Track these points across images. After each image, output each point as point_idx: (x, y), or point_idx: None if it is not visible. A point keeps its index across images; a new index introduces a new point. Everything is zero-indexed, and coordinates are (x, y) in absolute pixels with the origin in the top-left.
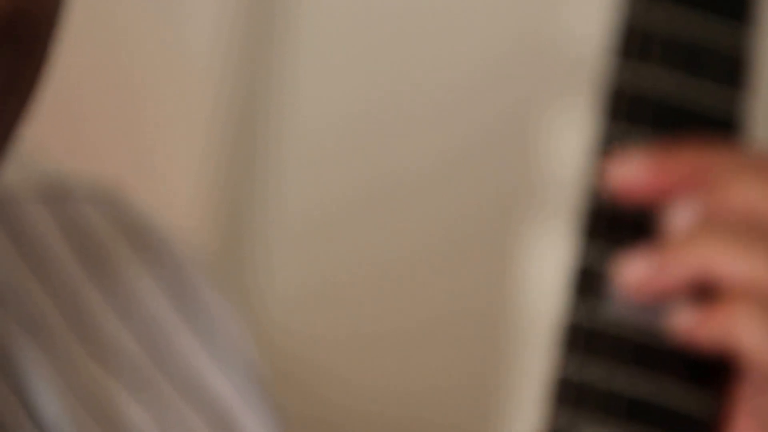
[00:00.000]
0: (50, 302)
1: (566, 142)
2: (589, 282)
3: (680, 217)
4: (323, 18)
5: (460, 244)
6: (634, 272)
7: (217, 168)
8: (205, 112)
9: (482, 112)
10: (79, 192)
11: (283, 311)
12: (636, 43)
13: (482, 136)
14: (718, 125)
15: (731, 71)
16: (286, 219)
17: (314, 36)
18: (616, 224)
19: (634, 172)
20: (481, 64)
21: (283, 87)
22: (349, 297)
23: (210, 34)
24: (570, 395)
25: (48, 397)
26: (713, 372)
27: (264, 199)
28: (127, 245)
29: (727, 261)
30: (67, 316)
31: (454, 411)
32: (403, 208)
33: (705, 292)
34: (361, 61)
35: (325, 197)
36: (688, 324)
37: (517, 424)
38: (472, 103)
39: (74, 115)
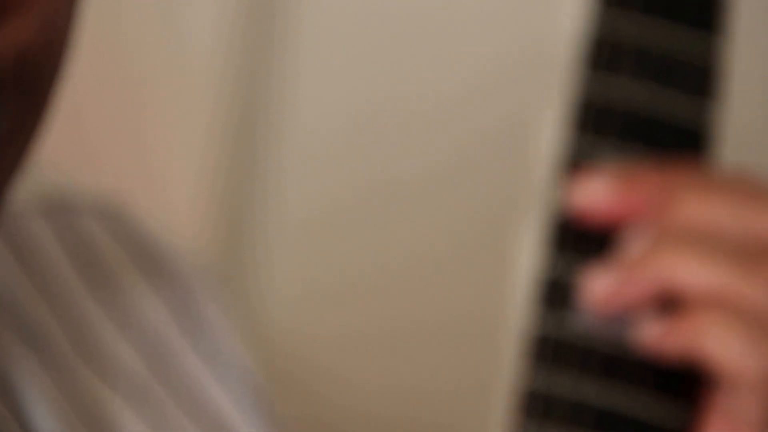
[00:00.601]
0: (50, 314)
1: (552, 149)
2: (557, 293)
3: (639, 237)
4: (323, 21)
5: (460, 245)
6: (599, 286)
7: (217, 169)
8: (206, 113)
9: (482, 116)
10: (81, 205)
11: (283, 312)
12: (605, 54)
13: (481, 139)
14: (687, 136)
15: (700, 81)
16: (287, 220)
17: (314, 39)
18: (584, 236)
19: (598, 192)
20: (481, 67)
21: (283, 89)
22: (349, 298)
23: (210, 36)
24: (538, 407)
25: (43, 411)
26: (682, 381)
27: (264, 200)
28: (129, 259)
29: (688, 272)
30: (67, 329)
31: (454, 412)
32: (402, 210)
33: (670, 303)
34: (360, 64)
35: (325, 199)
36: (654, 335)
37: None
38: (472, 107)
39: (74, 117)
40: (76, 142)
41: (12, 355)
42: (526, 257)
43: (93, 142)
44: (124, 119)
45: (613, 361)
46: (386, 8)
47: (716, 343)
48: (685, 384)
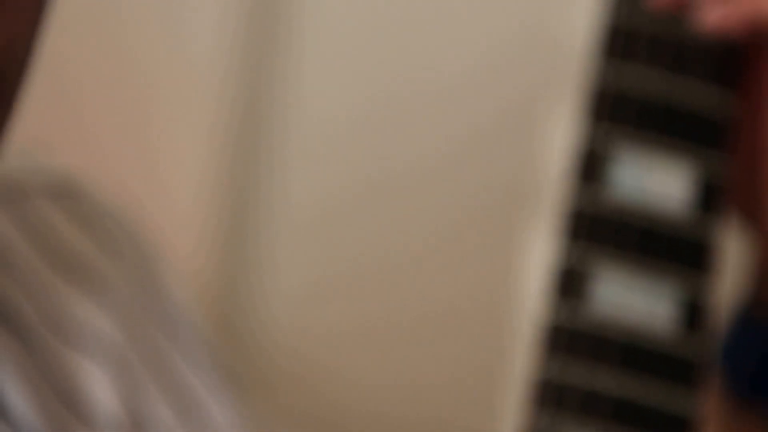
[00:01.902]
0: (16, 292)
1: (564, 140)
2: (571, 283)
3: None
4: (326, 15)
5: (464, 240)
6: None
7: (220, 166)
8: (209, 111)
9: (485, 108)
10: (31, 189)
11: (286, 309)
12: (620, 42)
13: (485, 132)
14: (703, 123)
15: (716, 68)
16: (290, 217)
17: (317, 34)
18: (597, 225)
19: None
20: (485, 60)
21: (286, 84)
22: (352, 294)
23: (213, 34)
24: (551, 397)
25: (14, 383)
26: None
27: (268, 196)
28: (85, 237)
29: None
30: (34, 304)
31: (459, 408)
32: (405, 206)
33: None
34: (363, 59)
35: (328, 195)
36: (715, 15)
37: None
38: (476, 99)
39: (78, 115)
40: (79, 139)
41: None
42: (536, 248)
43: (97, 141)
44: (128, 117)
45: (627, 349)
46: (388, 4)
47: None
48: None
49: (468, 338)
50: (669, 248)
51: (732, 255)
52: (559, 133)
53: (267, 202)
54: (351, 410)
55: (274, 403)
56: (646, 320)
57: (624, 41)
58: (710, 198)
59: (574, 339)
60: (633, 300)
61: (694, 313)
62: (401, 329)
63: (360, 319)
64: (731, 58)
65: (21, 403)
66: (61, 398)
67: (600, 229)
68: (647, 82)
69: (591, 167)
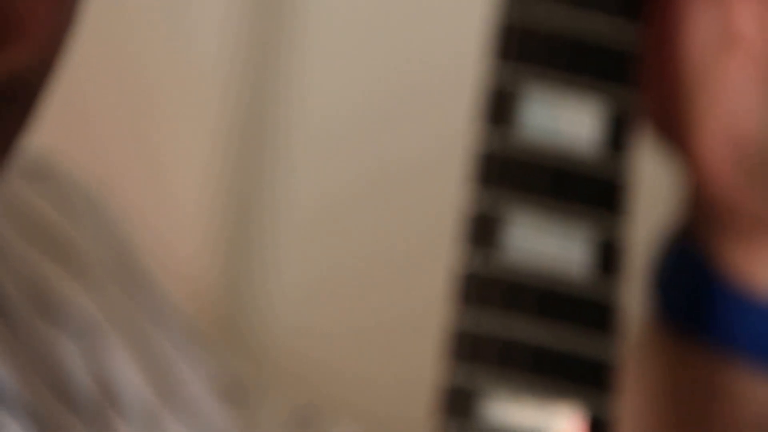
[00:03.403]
0: (2, 272)
1: None
2: (482, 229)
3: None
4: (330, 13)
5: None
6: None
7: (224, 165)
8: (213, 110)
9: None
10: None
11: (290, 309)
12: None
13: None
14: (614, 58)
15: (622, 2)
16: (293, 216)
17: (320, 34)
18: (509, 171)
19: None
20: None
21: (289, 86)
22: (356, 295)
23: (217, 31)
24: (468, 348)
25: (3, 366)
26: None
27: (271, 197)
28: (63, 215)
29: None
30: (18, 283)
31: None
32: (411, 205)
33: None
34: (367, 59)
35: (332, 195)
36: None
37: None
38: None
39: (81, 117)
40: (83, 140)
41: None
42: None
43: (101, 139)
44: (132, 114)
45: (544, 297)
46: (392, 2)
47: None
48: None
49: None
50: (581, 189)
51: (646, 191)
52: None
53: (270, 203)
54: (354, 410)
55: (276, 402)
56: (561, 265)
57: None
58: (621, 135)
59: (488, 287)
60: (547, 244)
61: (609, 255)
62: (405, 329)
63: (364, 320)
64: None
65: (11, 382)
66: (46, 379)
67: (510, 173)
68: (552, 18)
69: (500, 108)
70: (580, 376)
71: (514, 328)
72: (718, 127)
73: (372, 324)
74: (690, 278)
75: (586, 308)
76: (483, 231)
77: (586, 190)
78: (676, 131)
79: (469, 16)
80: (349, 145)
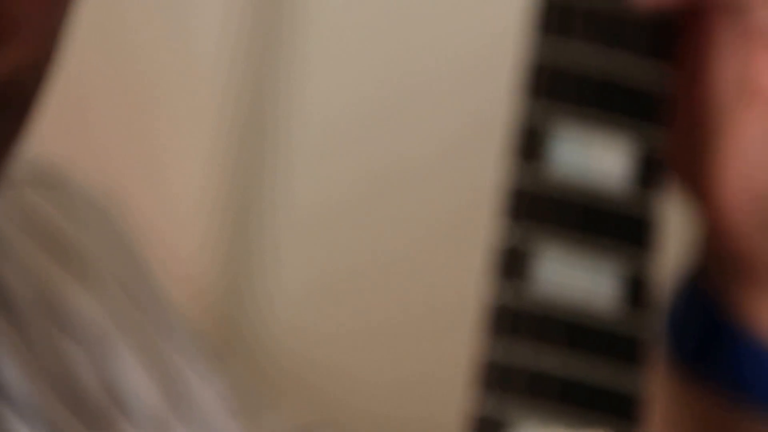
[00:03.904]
0: (10, 275)
1: None
2: (513, 263)
3: None
4: (330, 13)
5: (472, 239)
6: None
7: (224, 166)
8: (213, 110)
9: (491, 104)
10: (20, 178)
11: (290, 310)
12: (555, 17)
13: (492, 128)
14: (643, 98)
15: (651, 41)
16: (294, 216)
17: (321, 34)
18: (538, 204)
19: None
20: (490, 55)
21: (290, 86)
22: (356, 296)
23: (217, 31)
24: (497, 378)
25: (14, 371)
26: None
27: (271, 197)
28: (72, 223)
29: None
30: (28, 287)
31: (462, 409)
32: (411, 205)
33: None
34: (368, 59)
35: (333, 195)
36: None
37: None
38: (480, 96)
39: (81, 114)
40: (83, 139)
41: None
42: None
43: (100, 140)
44: (131, 115)
45: (574, 330)
46: (393, 2)
47: None
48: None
49: (474, 339)
50: (610, 225)
51: (674, 228)
52: None
53: (270, 203)
54: (355, 411)
55: (277, 404)
56: (590, 298)
57: (560, 16)
58: (649, 173)
59: (518, 319)
60: (575, 278)
61: (636, 290)
62: (406, 330)
63: (364, 320)
64: (665, 29)
65: (23, 387)
66: (56, 385)
67: (541, 208)
68: (584, 57)
69: (530, 145)
70: (607, 408)
71: (543, 359)
72: (735, 176)
73: (372, 325)
74: (701, 322)
75: (614, 341)
76: (513, 264)
77: (615, 226)
78: (694, 176)
79: (469, 17)
80: (350, 145)
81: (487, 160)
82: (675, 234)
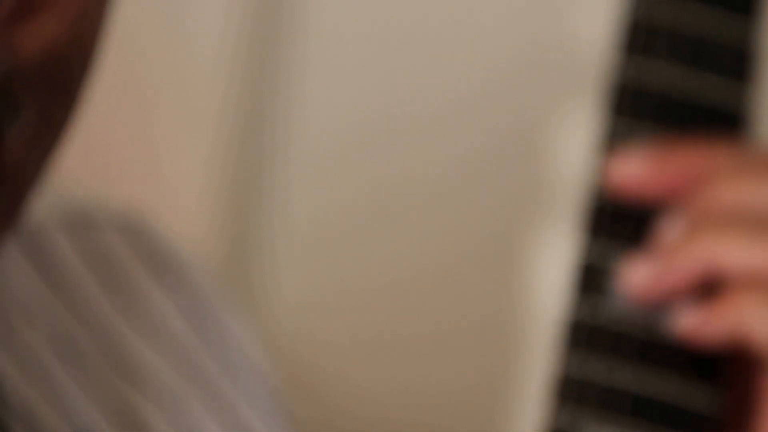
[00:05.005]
0: (77, 326)
1: (573, 144)
2: (592, 279)
3: (677, 221)
4: (331, 25)
5: (469, 248)
6: (638, 275)
7: (223, 173)
8: (212, 117)
9: (491, 117)
10: (102, 220)
11: (290, 316)
12: (640, 37)
13: (491, 141)
14: (723, 119)
15: (736, 64)
16: (294, 224)
17: (321, 41)
18: (619, 221)
19: (635, 170)
20: (492, 69)
21: (290, 93)
22: (356, 302)
23: (217, 40)
24: (572, 393)
25: (88, 415)
26: (718, 366)
27: (271, 205)
28: (148, 272)
29: (730, 253)
30: (95, 340)
31: (463, 416)
32: (410, 213)
33: (710, 292)
34: (368, 68)
35: (332, 202)
36: (695, 321)
37: (525, 428)
38: (481, 108)
39: (81, 120)
40: (83, 147)
41: (51, 363)
42: (550, 253)
43: (100, 147)
44: (131, 124)
45: (648, 346)
46: (394, 13)
47: (762, 322)
48: (718, 368)
49: (475, 347)
50: None
51: None
52: (574, 136)
53: (270, 211)
54: (357, 418)
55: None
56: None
57: (644, 36)
58: None
59: (595, 334)
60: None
61: None
62: (407, 338)
63: (366, 328)
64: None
65: (93, 427)
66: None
67: (622, 223)
68: (667, 77)
69: (612, 157)
70: (679, 425)
71: (617, 374)
72: None
73: (374, 332)
74: None
75: (688, 359)
76: (591, 280)
77: None
78: None
79: (477, 30)
80: (351, 155)
81: (489, 172)
82: None
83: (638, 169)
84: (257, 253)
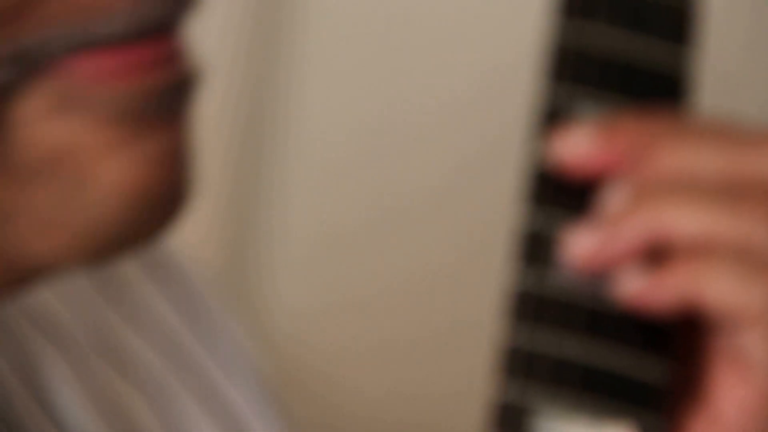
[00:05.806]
0: (71, 319)
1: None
2: (538, 249)
3: (620, 189)
4: (330, 31)
5: (468, 254)
6: (582, 244)
7: (223, 180)
8: (212, 124)
9: (492, 124)
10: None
11: (290, 321)
12: (579, 1)
13: (492, 147)
14: (666, 82)
15: (677, 27)
16: (294, 229)
17: (320, 48)
18: (564, 189)
19: (578, 145)
20: (491, 73)
21: (289, 101)
22: (355, 306)
23: (216, 45)
24: (520, 365)
25: (74, 410)
26: (669, 336)
27: (271, 210)
28: (143, 270)
29: (676, 218)
30: (89, 332)
31: (463, 419)
32: (409, 219)
33: (656, 258)
34: (368, 70)
35: (332, 209)
36: (640, 286)
37: None
38: (481, 115)
39: None
40: None
41: (42, 356)
42: None
43: None
44: None
45: (596, 317)
46: (393, 20)
47: (715, 284)
48: (669, 338)
49: (472, 352)
50: None
51: None
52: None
53: (270, 218)
54: (357, 422)
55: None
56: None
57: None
58: None
59: (542, 306)
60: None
61: None
62: (407, 342)
63: (365, 332)
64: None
65: (80, 424)
66: (114, 423)
67: (567, 192)
68: (608, 41)
69: (553, 129)
70: (631, 396)
71: (565, 346)
72: None
73: (372, 338)
74: None
75: (638, 330)
76: (537, 250)
77: None
78: None
79: (473, 42)
80: (351, 163)
81: (488, 180)
82: None
83: (581, 145)
84: (257, 259)
